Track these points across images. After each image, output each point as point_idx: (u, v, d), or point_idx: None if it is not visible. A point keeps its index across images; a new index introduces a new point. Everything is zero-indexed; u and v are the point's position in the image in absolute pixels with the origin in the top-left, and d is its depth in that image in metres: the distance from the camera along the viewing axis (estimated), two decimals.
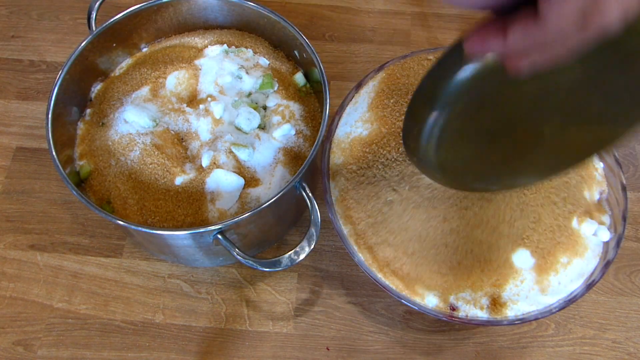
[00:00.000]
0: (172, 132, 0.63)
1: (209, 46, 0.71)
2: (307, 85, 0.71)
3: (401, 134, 0.46)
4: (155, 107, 0.64)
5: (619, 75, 0.36)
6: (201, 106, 0.64)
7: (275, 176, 0.62)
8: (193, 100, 0.66)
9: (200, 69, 0.68)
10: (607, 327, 0.65)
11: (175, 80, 0.66)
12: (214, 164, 0.60)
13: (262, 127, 0.65)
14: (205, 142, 0.62)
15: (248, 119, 0.63)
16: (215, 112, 0.63)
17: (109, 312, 0.65)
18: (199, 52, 0.70)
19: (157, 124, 0.63)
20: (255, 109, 0.65)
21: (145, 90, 0.65)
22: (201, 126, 0.63)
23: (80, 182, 0.63)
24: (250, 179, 0.61)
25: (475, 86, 0.36)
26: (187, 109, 0.64)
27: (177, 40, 0.73)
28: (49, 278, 0.67)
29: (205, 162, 0.60)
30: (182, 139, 0.64)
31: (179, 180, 0.60)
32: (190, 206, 0.59)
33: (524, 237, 0.56)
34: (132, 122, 0.62)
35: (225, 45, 0.71)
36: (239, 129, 0.64)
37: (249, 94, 0.67)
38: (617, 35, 0.29)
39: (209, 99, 0.65)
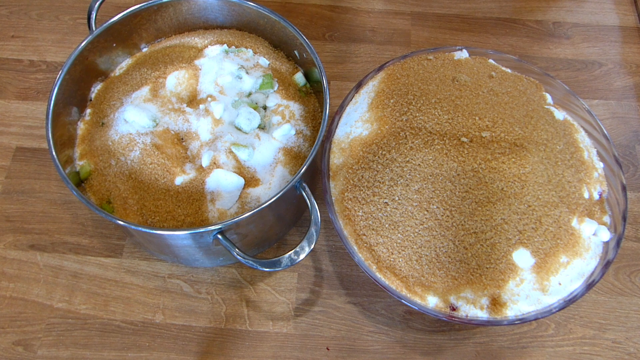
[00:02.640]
0: (172, 132, 0.63)
1: (208, 46, 0.70)
2: (307, 85, 0.71)
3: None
4: (155, 107, 0.64)
5: None
6: (201, 106, 0.64)
7: (275, 176, 0.62)
8: (193, 100, 0.66)
9: (200, 69, 0.67)
10: (607, 327, 0.65)
11: (175, 80, 0.66)
12: (214, 164, 0.60)
13: (262, 127, 0.65)
14: (205, 142, 0.62)
15: (248, 119, 0.63)
16: (215, 112, 0.63)
17: (109, 312, 0.65)
18: (199, 52, 0.70)
19: (157, 124, 0.63)
20: (255, 109, 0.65)
21: (145, 91, 0.65)
22: (201, 126, 0.63)
23: (80, 182, 0.63)
24: (250, 179, 0.61)
25: None
26: (187, 109, 0.64)
27: (177, 40, 0.73)
28: (49, 278, 0.67)
29: (205, 162, 0.60)
30: (182, 139, 0.64)
31: (179, 180, 0.60)
32: (190, 206, 0.59)
33: (524, 237, 0.56)
34: (132, 122, 0.62)
35: (225, 45, 0.71)
36: (238, 129, 0.64)
37: (249, 94, 0.67)
38: None
39: (209, 99, 0.65)
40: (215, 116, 0.63)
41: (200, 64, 0.68)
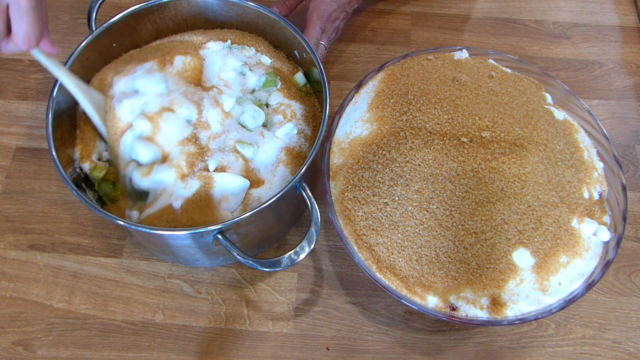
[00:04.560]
0: (183, 120, 0.61)
1: (210, 41, 0.70)
2: (307, 85, 0.71)
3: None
4: (163, 76, 0.62)
5: None
6: (212, 91, 0.63)
7: (277, 176, 0.61)
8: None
9: (204, 60, 0.66)
10: (607, 327, 0.65)
11: (182, 64, 0.64)
12: (221, 168, 0.59)
13: (265, 125, 0.65)
14: (215, 133, 0.61)
15: (253, 117, 0.63)
16: (225, 104, 0.62)
17: (109, 312, 0.65)
18: (201, 44, 0.69)
19: (169, 91, 0.61)
20: (259, 106, 0.65)
21: (151, 64, 0.64)
22: (211, 117, 0.61)
23: (80, 182, 0.63)
24: (255, 180, 0.61)
25: None
26: (198, 90, 0.63)
27: (178, 37, 0.72)
28: (49, 278, 0.67)
29: (212, 166, 0.59)
30: (194, 128, 0.61)
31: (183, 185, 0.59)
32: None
33: (524, 237, 0.56)
34: (144, 92, 0.60)
35: (228, 41, 0.70)
36: (243, 126, 0.63)
37: (253, 91, 0.67)
38: None
39: (215, 89, 0.63)
40: (225, 109, 0.62)
41: (205, 54, 0.67)
